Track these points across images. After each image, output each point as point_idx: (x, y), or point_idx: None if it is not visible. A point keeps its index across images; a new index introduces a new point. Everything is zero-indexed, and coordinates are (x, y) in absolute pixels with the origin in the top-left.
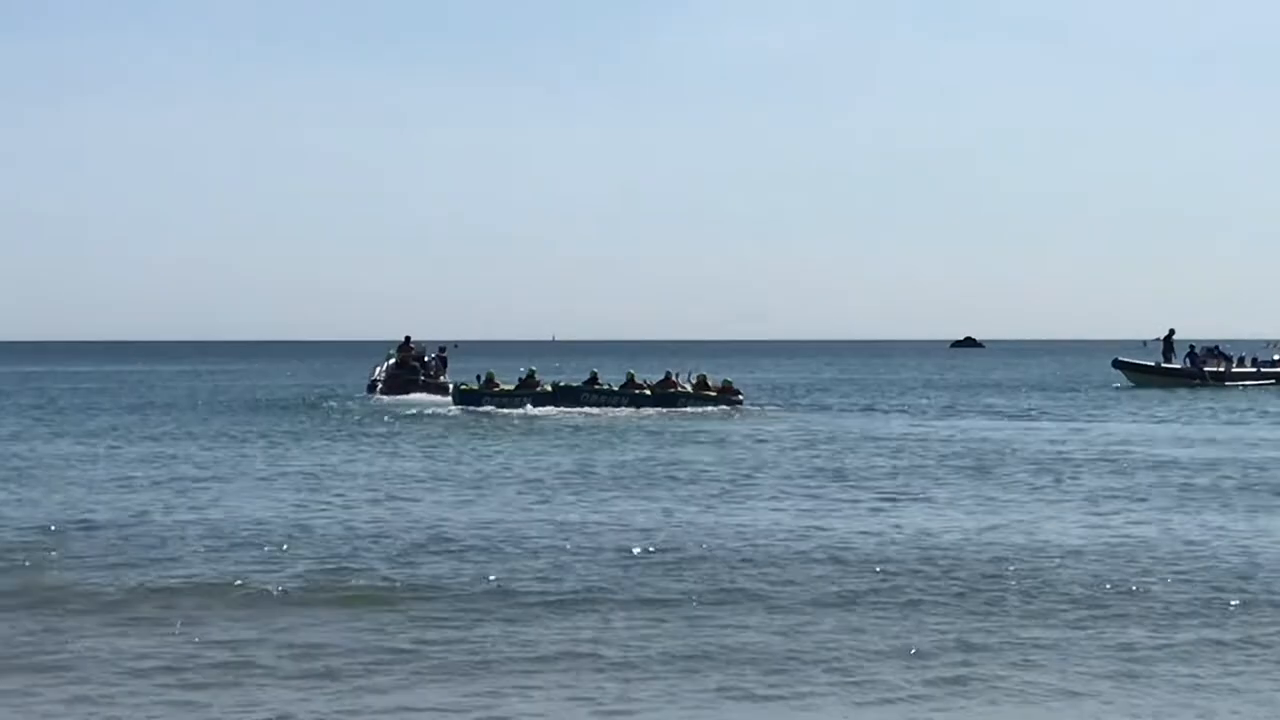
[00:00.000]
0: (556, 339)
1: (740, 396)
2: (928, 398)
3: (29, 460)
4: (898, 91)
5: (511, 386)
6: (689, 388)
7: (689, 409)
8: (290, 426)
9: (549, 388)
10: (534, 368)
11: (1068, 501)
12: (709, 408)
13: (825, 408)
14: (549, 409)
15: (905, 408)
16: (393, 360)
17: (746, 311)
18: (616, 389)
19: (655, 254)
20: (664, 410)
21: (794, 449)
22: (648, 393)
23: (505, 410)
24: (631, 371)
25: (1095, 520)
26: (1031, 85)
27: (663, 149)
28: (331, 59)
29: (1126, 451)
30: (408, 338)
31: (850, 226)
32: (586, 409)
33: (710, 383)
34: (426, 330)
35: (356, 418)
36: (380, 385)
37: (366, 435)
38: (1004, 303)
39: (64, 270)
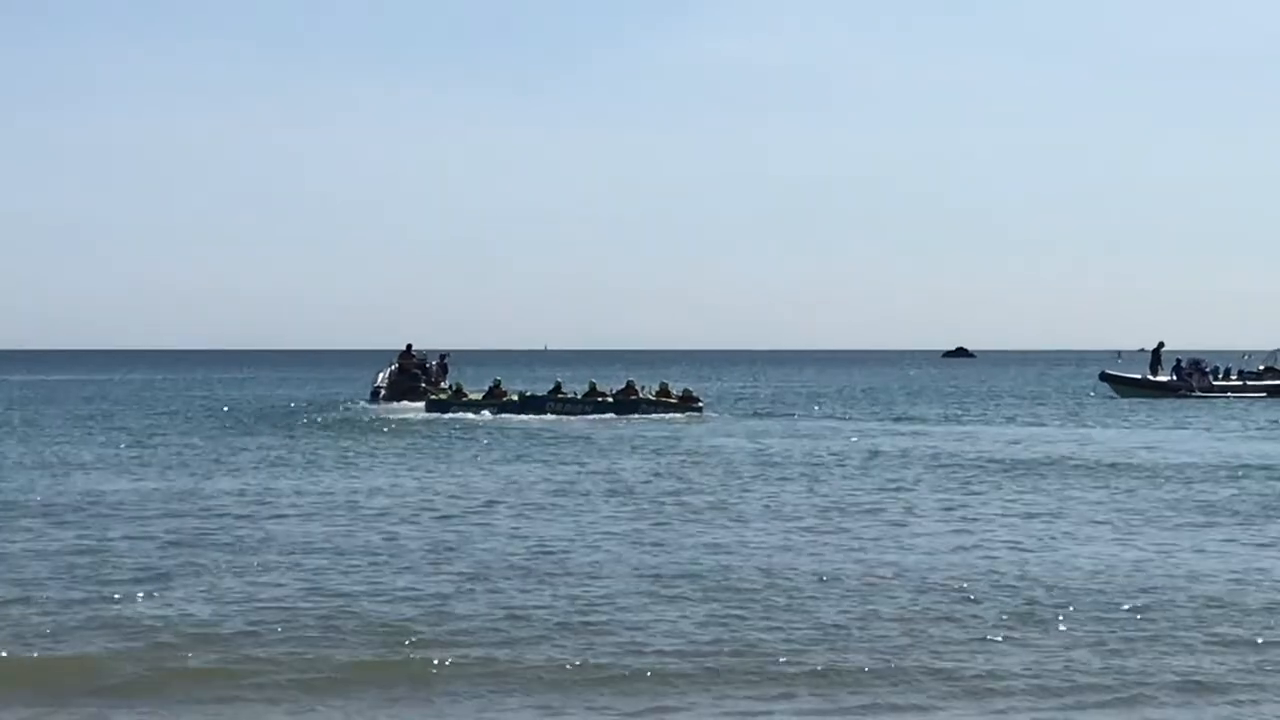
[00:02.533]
0: (549, 349)
1: (700, 404)
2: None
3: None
4: (887, 102)
5: (479, 396)
6: (651, 395)
7: (650, 416)
8: (301, 436)
9: (515, 397)
10: (499, 378)
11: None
12: (669, 415)
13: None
14: (515, 417)
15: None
16: (394, 367)
17: (740, 321)
18: (580, 397)
19: (649, 263)
20: (627, 417)
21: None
22: (610, 400)
23: (473, 417)
24: (594, 381)
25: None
26: (1019, 96)
27: (657, 158)
28: (318, 66)
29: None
30: (409, 346)
31: (841, 236)
32: (551, 416)
33: (671, 391)
34: (417, 340)
35: (377, 427)
36: (383, 392)
37: (374, 450)
38: (993, 313)
39: (57, 278)
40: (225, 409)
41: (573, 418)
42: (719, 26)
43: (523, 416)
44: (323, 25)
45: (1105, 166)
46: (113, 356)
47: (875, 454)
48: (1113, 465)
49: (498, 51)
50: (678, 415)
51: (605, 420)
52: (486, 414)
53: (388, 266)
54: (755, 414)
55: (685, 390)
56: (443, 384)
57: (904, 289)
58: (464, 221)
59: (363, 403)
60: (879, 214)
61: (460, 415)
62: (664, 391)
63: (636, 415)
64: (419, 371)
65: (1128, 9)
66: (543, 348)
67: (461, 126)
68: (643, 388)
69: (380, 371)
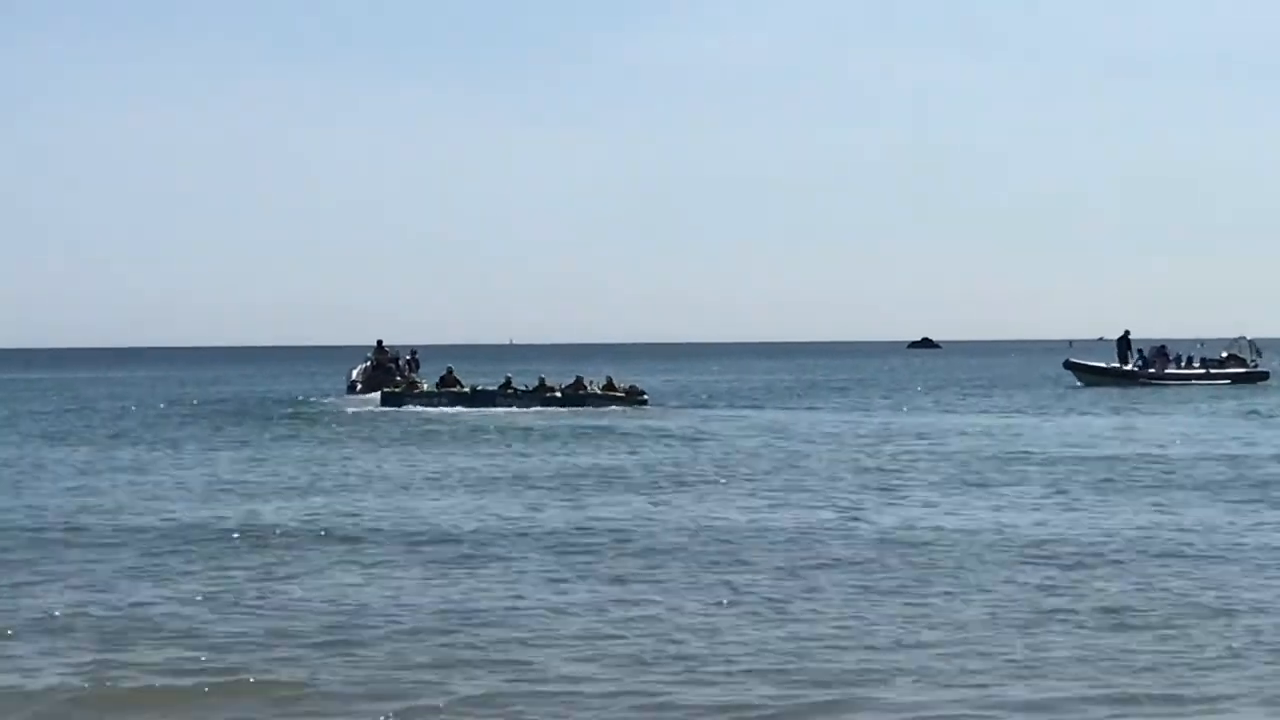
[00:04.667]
0: (515, 343)
1: (645, 397)
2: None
3: None
4: (889, 102)
5: (433, 388)
6: (598, 389)
7: (597, 409)
8: (259, 428)
9: (467, 389)
10: (451, 366)
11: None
12: (615, 408)
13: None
14: (465, 410)
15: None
16: (369, 362)
17: (738, 321)
18: (529, 391)
19: (618, 258)
20: (574, 410)
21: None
22: (558, 394)
23: (427, 410)
24: (543, 376)
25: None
26: (982, 94)
27: (656, 158)
28: (318, 66)
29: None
30: (380, 341)
31: (840, 236)
32: (501, 410)
33: (616, 385)
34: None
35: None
36: (359, 385)
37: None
38: (956, 305)
39: (57, 279)
40: (196, 403)
41: (523, 410)
42: (718, 26)
43: (474, 410)
44: (323, 25)
45: (1099, 165)
46: (110, 355)
47: (813, 441)
48: (1096, 456)
49: (498, 51)
50: (623, 408)
51: (554, 413)
52: (436, 407)
53: (386, 267)
54: (700, 405)
55: (631, 385)
56: (414, 376)
57: (867, 280)
58: (464, 221)
59: (337, 396)
60: (878, 213)
61: (416, 409)
62: (610, 385)
63: (584, 408)
64: (394, 366)
65: (1130, 9)
66: (508, 341)
67: (461, 126)
68: (590, 382)
69: (354, 367)
